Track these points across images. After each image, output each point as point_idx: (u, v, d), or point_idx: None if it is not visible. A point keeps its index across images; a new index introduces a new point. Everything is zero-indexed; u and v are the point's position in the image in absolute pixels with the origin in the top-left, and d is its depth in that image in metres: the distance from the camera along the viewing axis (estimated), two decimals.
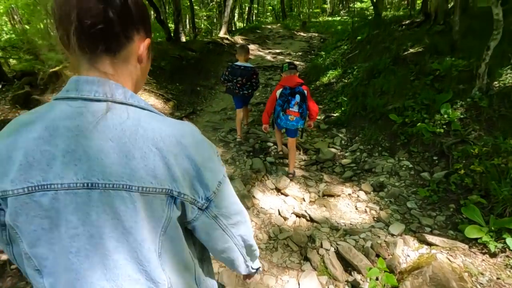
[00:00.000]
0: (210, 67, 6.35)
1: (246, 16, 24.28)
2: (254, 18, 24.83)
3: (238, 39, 11.18)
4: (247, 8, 24.66)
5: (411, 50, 4.93)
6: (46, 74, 4.05)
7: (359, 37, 7.42)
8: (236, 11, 23.97)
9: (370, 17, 13.08)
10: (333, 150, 3.70)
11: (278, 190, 3.00)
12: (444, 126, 3.17)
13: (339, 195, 2.86)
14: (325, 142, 3.89)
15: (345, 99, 4.80)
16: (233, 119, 4.63)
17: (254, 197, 2.83)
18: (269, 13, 32.89)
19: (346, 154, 3.65)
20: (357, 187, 2.99)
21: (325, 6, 26.40)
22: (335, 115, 4.62)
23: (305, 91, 2.82)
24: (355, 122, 4.21)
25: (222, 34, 10.77)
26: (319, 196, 2.91)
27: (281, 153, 3.47)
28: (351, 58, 6.67)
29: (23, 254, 0.52)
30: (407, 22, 7.19)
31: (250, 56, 9.84)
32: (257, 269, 0.81)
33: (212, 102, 5.19)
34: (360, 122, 4.13)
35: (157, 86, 4.53)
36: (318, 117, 4.80)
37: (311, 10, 21.66)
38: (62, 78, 3.98)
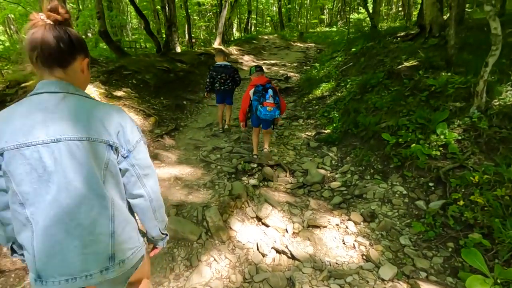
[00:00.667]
0: (199, 80, 6.13)
1: (244, 27, 24.39)
2: (252, 28, 24.91)
3: (233, 49, 11.04)
4: (245, 19, 24.79)
5: (406, 64, 4.70)
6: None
7: (353, 49, 7.24)
8: (235, 21, 24.07)
9: (366, 28, 13.03)
10: (322, 171, 3.42)
11: (259, 219, 2.70)
12: (441, 149, 2.89)
13: (325, 226, 2.57)
14: (314, 162, 3.61)
15: (337, 115, 4.55)
16: (218, 135, 4.37)
17: (231, 228, 2.53)
18: (268, 24, 33.12)
19: (336, 176, 3.37)
20: (346, 216, 2.69)
21: (323, 17, 26.55)
22: (326, 131, 4.36)
23: (274, 87, 3.23)
24: (346, 140, 3.94)
25: (216, 44, 10.63)
26: (303, 227, 2.61)
27: (255, 157, 3.55)
28: (345, 71, 6.46)
29: (11, 195, 0.81)
30: (401, 34, 7.01)
31: (243, 67, 9.66)
32: (165, 235, 1.10)
33: (198, 117, 4.94)
34: (352, 141, 3.86)
35: (138, 101, 4.28)
36: (309, 133, 4.54)
37: (309, 20, 21.71)
38: None
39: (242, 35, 24.42)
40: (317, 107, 5.63)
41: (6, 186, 0.82)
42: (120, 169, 0.89)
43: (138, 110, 4.09)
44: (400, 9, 21.52)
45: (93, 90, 4.03)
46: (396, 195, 2.78)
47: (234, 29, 26.93)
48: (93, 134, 0.83)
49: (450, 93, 3.36)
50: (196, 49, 15.15)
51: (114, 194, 0.89)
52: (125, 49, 13.44)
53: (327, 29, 23.38)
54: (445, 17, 6.24)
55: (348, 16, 22.88)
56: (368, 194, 2.90)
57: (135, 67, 5.09)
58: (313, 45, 15.72)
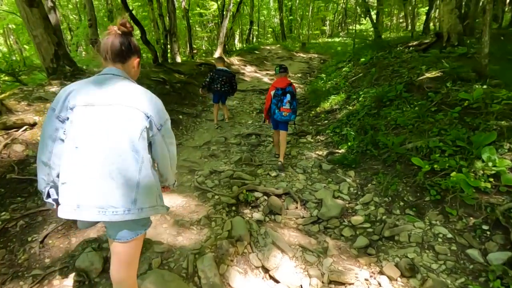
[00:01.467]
0: (197, 92, 5.62)
1: (245, 37, 24.26)
2: (254, 39, 24.74)
3: (235, 60, 10.63)
4: (247, 30, 24.67)
5: (427, 75, 4.18)
6: None
7: (362, 59, 6.76)
8: (237, 32, 23.93)
9: (370, 39, 12.67)
10: (339, 202, 2.83)
11: (265, 270, 2.11)
12: (491, 179, 2.32)
13: (352, 283, 1.97)
14: (330, 190, 3.02)
15: (352, 132, 3.99)
16: (217, 155, 3.81)
17: (229, 285, 1.94)
18: (269, 35, 33.10)
19: (357, 208, 2.78)
20: (376, 267, 2.10)
21: (324, 28, 26.44)
22: (340, 151, 3.79)
23: (294, 90, 3.39)
24: (365, 163, 3.37)
25: (217, 55, 10.22)
26: (323, 283, 2.01)
27: (277, 155, 3.73)
28: (355, 82, 5.95)
29: (70, 141, 1.13)
30: (414, 43, 6.54)
31: (246, 78, 9.22)
32: (175, 181, 1.54)
33: (194, 134, 4.42)
34: (372, 164, 3.29)
35: None
36: (320, 153, 3.98)
37: (310, 31, 21.51)
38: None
39: (244, 45, 24.27)
40: (326, 121, 5.09)
41: (65, 135, 1.16)
42: (153, 137, 1.23)
43: None
44: (401, 20, 21.31)
45: None
46: (439, 239, 2.19)
47: (236, 40, 26.79)
48: (137, 106, 1.16)
49: (493, 110, 2.81)
50: (196, 59, 14.82)
51: (143, 153, 1.17)
52: None
53: (329, 40, 23.18)
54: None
55: (354, 26, 22.71)
56: (402, 236, 2.30)
57: None
58: (316, 55, 15.36)
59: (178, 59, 10.92)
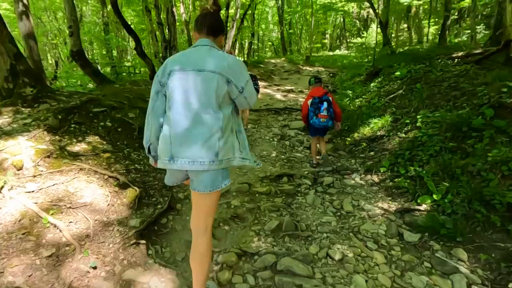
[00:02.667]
0: None
1: (246, 51, 23.49)
2: (253, 53, 23.95)
3: None
4: (247, 43, 23.92)
5: None
6: None
7: (397, 73, 5.66)
8: (237, 45, 23.14)
9: (384, 52, 11.78)
10: None
11: None
12: None
13: None
14: None
15: (427, 176, 2.78)
16: (243, 217, 2.54)
17: None
18: (267, 49, 32.49)
19: None
20: None
21: (325, 41, 25.86)
22: (421, 208, 2.56)
23: (330, 98, 3.48)
24: (478, 234, 2.14)
25: None
26: None
27: (315, 165, 3.66)
28: (397, 101, 4.80)
29: (167, 102, 1.35)
30: (459, 54, 5.47)
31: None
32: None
33: None
34: (493, 237, 2.07)
35: (109, 159, 2.51)
36: (384, 205, 2.76)
37: (312, 44, 20.74)
38: None
39: (246, 59, 23.45)
40: (372, 153, 3.90)
41: (164, 97, 1.37)
42: (236, 98, 1.39)
43: (106, 177, 2.32)
44: (399, 33, 20.60)
45: (27, 146, 2.30)
46: None
47: (236, 53, 26.06)
48: (221, 71, 1.31)
49: None
50: None
51: (225, 112, 1.35)
52: (123, 74, 11.97)
53: (331, 53, 22.47)
54: None
55: (352, 38, 22.03)
56: None
57: (113, 101, 3.38)
58: (322, 68, 14.43)
59: None
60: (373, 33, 21.70)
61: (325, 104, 3.37)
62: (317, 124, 3.39)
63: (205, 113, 1.28)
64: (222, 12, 12.16)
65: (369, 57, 12.62)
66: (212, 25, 1.41)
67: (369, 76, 7.74)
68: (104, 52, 13.84)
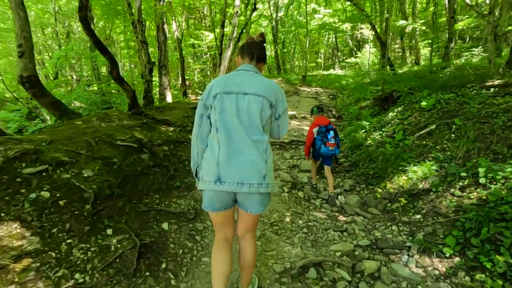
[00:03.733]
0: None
1: None
2: None
3: None
4: None
5: None
6: None
7: (423, 103, 4.80)
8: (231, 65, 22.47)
9: (387, 73, 11.19)
10: None
11: None
12: None
13: None
14: None
15: None
16: None
17: None
18: None
19: None
20: None
21: (319, 60, 25.61)
22: None
23: (335, 127, 3.53)
24: None
25: None
26: None
27: (315, 185, 3.73)
28: (434, 141, 3.88)
29: (213, 123, 1.39)
30: (496, 83, 4.68)
31: None
32: None
33: (193, 277, 1.91)
34: None
35: (25, 273, 1.41)
36: None
37: (307, 64, 20.24)
38: None
39: None
40: (419, 216, 2.89)
41: (210, 119, 1.43)
42: (272, 123, 1.49)
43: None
44: (396, 53, 20.48)
45: None
46: None
47: (225, 72, 25.40)
48: (266, 95, 1.39)
49: None
50: (190, 95, 12.74)
51: (267, 136, 1.43)
52: (111, 94, 10.86)
53: (326, 72, 22.05)
54: None
55: (346, 58, 21.70)
56: None
57: (62, 151, 2.29)
58: (320, 89, 13.77)
59: (169, 97, 8.82)
60: (367, 53, 21.61)
61: (332, 132, 3.42)
62: (326, 152, 3.37)
63: (252, 135, 1.36)
64: (217, 30, 11.40)
65: (368, 78, 12.00)
66: (257, 54, 1.54)
67: (378, 102, 6.92)
68: (89, 72, 12.78)
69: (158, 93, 9.70)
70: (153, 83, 9.33)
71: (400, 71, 11.30)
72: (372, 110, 6.63)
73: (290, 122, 7.33)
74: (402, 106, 5.36)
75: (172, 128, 4.08)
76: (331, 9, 21.64)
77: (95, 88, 12.43)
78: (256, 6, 10.54)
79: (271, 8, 21.38)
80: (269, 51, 30.74)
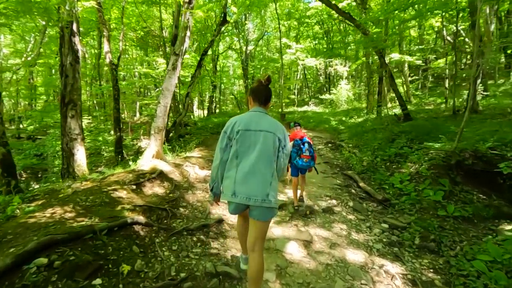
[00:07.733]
0: None
1: (207, 105, 19.17)
2: (215, 106, 19.82)
3: (193, 155, 4.62)
4: (207, 96, 19.80)
5: None
6: None
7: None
8: (196, 98, 18.82)
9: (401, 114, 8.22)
10: None
11: None
12: None
13: None
14: None
15: None
16: None
17: None
18: (228, 101, 28.99)
19: None
20: None
21: (293, 96, 23.22)
22: None
23: (310, 141, 3.60)
24: None
25: (146, 160, 4.17)
26: None
27: (296, 208, 3.65)
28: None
29: (233, 152, 1.78)
30: None
31: None
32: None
33: None
34: None
35: None
36: None
37: (282, 100, 17.40)
38: None
39: (205, 113, 18.94)
40: None
41: (231, 148, 1.78)
42: (279, 153, 1.81)
43: None
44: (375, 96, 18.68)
45: None
46: None
47: (195, 107, 21.57)
48: (275, 131, 1.77)
49: None
50: (129, 160, 8.26)
51: (274, 164, 1.79)
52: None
53: (299, 109, 19.37)
54: None
55: (322, 94, 19.41)
56: None
57: None
58: (309, 133, 10.39)
59: (81, 160, 4.49)
60: (342, 91, 19.59)
61: (306, 145, 3.47)
62: (300, 164, 3.45)
63: (263, 162, 1.73)
64: (168, 49, 7.63)
65: (366, 116, 8.48)
66: (266, 98, 1.89)
67: (444, 170, 3.49)
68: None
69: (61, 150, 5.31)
70: (53, 132, 5.00)
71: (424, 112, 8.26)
72: (439, 188, 3.09)
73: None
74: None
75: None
76: (303, 44, 19.82)
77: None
78: (227, 19, 7.10)
79: (241, 41, 18.76)
80: (238, 86, 28.05)
